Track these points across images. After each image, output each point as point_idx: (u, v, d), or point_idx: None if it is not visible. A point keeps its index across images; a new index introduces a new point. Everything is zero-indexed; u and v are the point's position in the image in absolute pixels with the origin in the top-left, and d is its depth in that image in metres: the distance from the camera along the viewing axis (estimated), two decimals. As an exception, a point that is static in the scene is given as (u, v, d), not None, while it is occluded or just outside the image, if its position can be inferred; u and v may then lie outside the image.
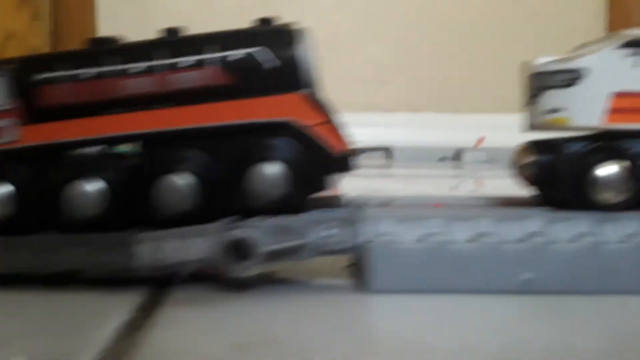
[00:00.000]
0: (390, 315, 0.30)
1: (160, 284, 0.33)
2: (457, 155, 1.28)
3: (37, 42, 1.22)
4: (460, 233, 0.31)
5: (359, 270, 0.34)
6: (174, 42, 0.33)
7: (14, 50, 1.12)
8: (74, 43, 1.30)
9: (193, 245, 0.32)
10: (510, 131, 1.36)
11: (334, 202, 0.36)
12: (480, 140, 1.29)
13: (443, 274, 0.31)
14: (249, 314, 0.29)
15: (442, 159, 1.28)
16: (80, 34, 1.36)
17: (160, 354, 0.24)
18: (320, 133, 0.32)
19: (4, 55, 1.09)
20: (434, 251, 0.31)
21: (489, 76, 1.42)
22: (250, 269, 0.30)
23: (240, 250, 0.30)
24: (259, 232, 0.30)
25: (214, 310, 0.30)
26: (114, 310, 0.30)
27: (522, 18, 1.44)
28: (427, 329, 0.27)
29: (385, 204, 0.36)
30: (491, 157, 1.27)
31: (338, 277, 0.35)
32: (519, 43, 1.42)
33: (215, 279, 0.33)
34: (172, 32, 0.33)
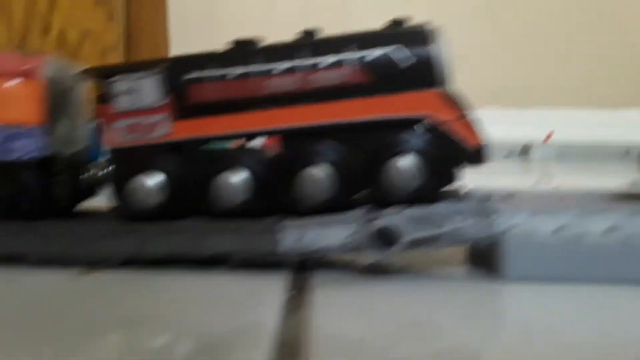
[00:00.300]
0: (527, 303, 0.31)
1: (299, 269, 0.35)
2: (524, 151, 1.28)
3: (111, 41, 1.26)
4: (595, 225, 0.32)
5: (485, 260, 0.35)
6: (313, 43, 0.35)
7: (89, 49, 1.16)
8: (145, 43, 1.34)
9: (335, 233, 0.34)
10: (579, 126, 1.34)
11: (459, 194, 0.37)
12: (549, 135, 1.28)
13: (578, 266, 0.32)
14: (394, 298, 0.31)
15: (508, 155, 1.27)
16: (152, 34, 1.41)
17: (328, 334, 0.26)
18: (455, 128, 0.33)
19: (80, 53, 1.13)
20: (570, 243, 0.32)
21: (557, 69, 1.40)
22: (393, 256, 0.32)
23: (386, 237, 0.32)
24: (402, 220, 0.32)
25: (360, 293, 0.32)
26: (268, 291, 0.32)
27: (589, 12, 1.42)
28: (563, 317, 0.28)
29: (509, 196, 0.37)
30: (561, 153, 1.26)
31: (458, 266, 0.37)
32: (586, 35, 1.40)
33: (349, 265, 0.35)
34: (310, 33, 0.35)
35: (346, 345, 0.24)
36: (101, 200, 0.39)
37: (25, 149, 0.35)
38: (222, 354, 0.23)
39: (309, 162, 0.34)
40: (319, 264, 0.36)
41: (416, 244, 0.32)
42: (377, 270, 0.35)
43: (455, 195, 0.36)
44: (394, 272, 0.35)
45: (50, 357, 0.23)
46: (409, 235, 0.32)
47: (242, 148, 0.36)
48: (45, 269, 0.35)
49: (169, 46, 1.52)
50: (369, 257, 0.35)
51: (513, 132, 1.32)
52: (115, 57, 1.17)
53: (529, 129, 1.22)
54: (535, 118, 1.28)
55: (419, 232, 0.32)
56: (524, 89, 1.38)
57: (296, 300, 0.30)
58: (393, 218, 0.32)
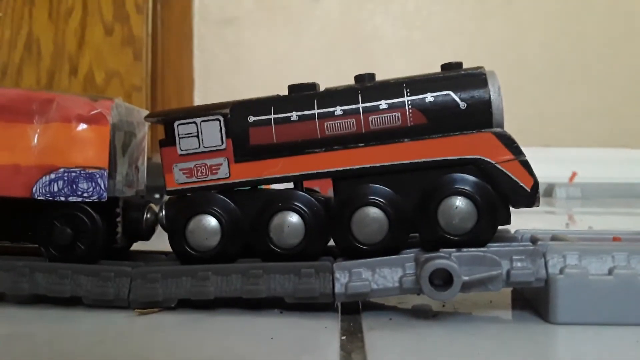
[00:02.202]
0: (581, 347, 0.31)
1: (349, 310, 0.36)
2: (549, 191, 1.28)
3: (137, 82, 1.29)
4: (647, 267, 0.33)
5: (534, 303, 0.36)
6: (372, 87, 0.36)
7: (116, 88, 1.19)
8: (170, 84, 1.37)
9: (389, 274, 0.34)
10: (603, 166, 1.34)
11: (507, 235, 0.38)
12: (574, 175, 1.29)
13: (632, 307, 0.32)
14: (447, 343, 0.31)
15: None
16: (177, 75, 1.44)
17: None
18: (509, 168, 0.34)
19: (107, 93, 1.16)
20: (624, 284, 0.32)
21: (581, 107, 1.41)
22: (448, 298, 0.33)
23: (443, 279, 0.32)
24: (456, 262, 0.32)
25: (413, 337, 0.32)
26: (322, 334, 0.32)
27: (614, 49, 1.43)
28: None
29: (555, 237, 0.38)
30: (585, 193, 1.26)
31: (505, 309, 0.38)
32: (610, 73, 1.41)
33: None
34: (367, 77, 0.36)
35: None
36: (158, 241, 0.40)
37: (89, 191, 0.36)
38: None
39: (363, 203, 0.35)
40: (367, 306, 0.37)
41: (470, 285, 0.33)
42: (427, 313, 0.36)
43: (505, 236, 0.37)
44: (443, 315, 0.36)
45: None
46: (464, 277, 0.32)
47: (296, 189, 0.37)
48: (102, 310, 0.36)
49: (193, 87, 1.55)
50: (421, 299, 0.36)
51: (537, 171, 1.32)
52: (141, 98, 1.20)
53: (552, 168, 1.23)
54: (559, 157, 1.29)
55: (474, 274, 0.33)
56: (547, 127, 1.39)
57: (351, 344, 0.31)
58: (448, 260, 0.32)
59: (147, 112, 0.40)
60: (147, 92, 1.25)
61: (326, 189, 0.38)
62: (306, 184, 0.38)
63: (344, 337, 0.31)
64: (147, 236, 0.40)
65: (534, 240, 0.37)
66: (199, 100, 1.48)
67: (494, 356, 0.29)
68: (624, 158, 1.33)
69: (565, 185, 1.26)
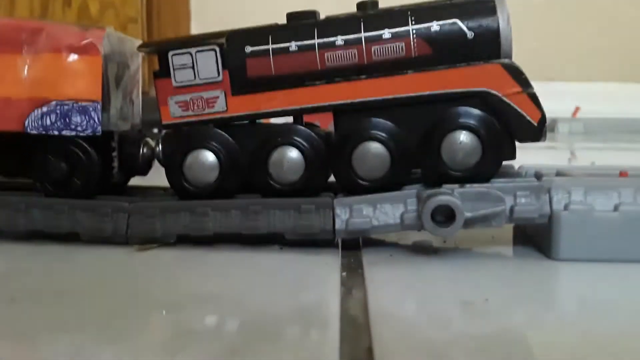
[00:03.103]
0: (581, 282, 0.31)
1: (350, 246, 0.36)
2: (551, 126, 1.27)
3: (133, 13, 1.26)
4: (653, 203, 0.32)
5: (536, 239, 0.35)
6: (373, 15, 0.34)
7: (111, 19, 1.16)
8: (166, 15, 1.34)
9: (390, 211, 0.34)
10: (607, 101, 1.33)
11: (511, 171, 0.37)
12: (577, 110, 1.27)
13: (638, 244, 0.32)
14: (447, 277, 0.31)
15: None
16: (173, 6, 1.40)
17: (386, 313, 0.26)
18: (517, 102, 0.33)
19: (101, 24, 1.13)
20: (630, 220, 0.32)
21: (585, 41, 1.38)
22: (451, 235, 0.32)
23: (443, 216, 0.32)
24: (459, 198, 0.32)
25: (413, 273, 0.32)
26: (323, 270, 0.32)
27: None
28: (618, 297, 0.28)
29: (560, 173, 0.37)
30: (588, 128, 1.25)
31: (507, 245, 0.37)
32: (614, 6, 1.38)
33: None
34: (370, 5, 0.35)
35: (404, 326, 0.25)
36: (155, 176, 0.40)
37: (83, 125, 0.35)
38: (292, 334, 0.24)
39: (365, 138, 0.34)
40: (368, 242, 0.36)
41: (473, 222, 0.32)
42: (427, 249, 0.36)
43: (508, 172, 0.36)
44: (444, 251, 0.35)
45: (102, 334, 0.24)
46: (467, 213, 0.32)
47: (296, 124, 0.36)
48: (100, 246, 0.35)
49: (190, 18, 1.51)
50: (422, 235, 0.36)
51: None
52: (136, 29, 1.17)
53: (556, 103, 1.21)
54: (563, 91, 1.27)
55: (477, 210, 0.32)
56: (550, 61, 1.36)
57: (352, 280, 0.30)
58: (451, 196, 0.32)
59: (140, 43, 0.38)
60: (142, 23, 1.22)
61: (326, 123, 0.37)
62: (306, 118, 0.37)
63: (344, 273, 0.31)
64: (144, 171, 0.39)
65: (538, 176, 0.36)
66: (196, 31, 1.45)
67: (495, 291, 0.29)
68: (628, 93, 1.31)
69: (568, 120, 1.25)
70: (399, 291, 0.30)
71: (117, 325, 0.25)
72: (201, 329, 0.25)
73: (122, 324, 0.25)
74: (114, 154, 0.38)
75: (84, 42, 0.36)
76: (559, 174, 0.37)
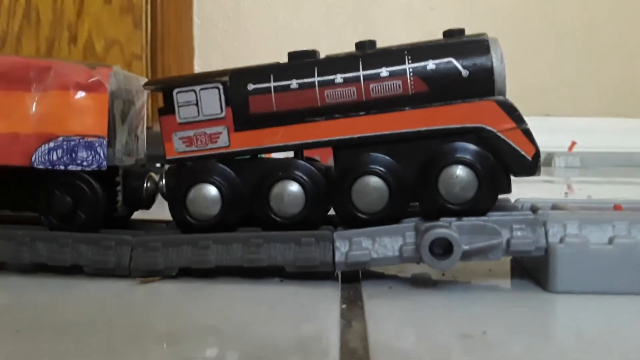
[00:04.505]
0: (579, 315, 0.31)
1: (349, 279, 0.36)
2: (548, 160, 1.28)
3: (137, 50, 1.28)
4: (647, 236, 0.33)
5: (533, 272, 0.36)
6: (373, 54, 0.35)
7: (116, 57, 1.18)
8: (170, 52, 1.36)
9: (389, 244, 0.34)
10: (603, 135, 1.34)
11: (508, 204, 0.38)
12: (573, 144, 1.28)
13: (633, 277, 0.32)
14: (445, 310, 0.32)
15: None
16: (177, 43, 1.43)
17: (386, 345, 0.27)
18: (511, 138, 0.34)
19: (106, 61, 1.15)
20: (624, 253, 0.32)
21: (581, 76, 1.40)
22: (448, 267, 0.33)
23: (441, 248, 0.32)
24: (456, 231, 0.32)
25: (412, 305, 0.32)
26: (323, 302, 0.32)
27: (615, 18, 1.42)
28: (616, 330, 0.29)
29: (556, 207, 0.37)
30: (584, 162, 1.26)
31: (505, 278, 0.38)
32: (610, 42, 1.40)
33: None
34: (368, 44, 0.36)
35: (403, 359, 0.25)
36: (158, 210, 0.41)
37: (89, 160, 0.36)
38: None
39: (364, 172, 0.35)
40: (367, 274, 0.37)
41: (470, 255, 0.33)
42: (426, 282, 0.36)
43: (505, 206, 0.37)
44: (443, 283, 0.36)
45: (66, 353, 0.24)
46: (464, 246, 0.32)
47: (297, 159, 0.37)
48: (104, 278, 0.36)
49: (193, 55, 1.54)
50: (421, 267, 0.36)
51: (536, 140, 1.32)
52: (141, 66, 1.19)
53: (552, 137, 1.23)
54: (559, 126, 1.28)
55: (474, 243, 0.33)
56: (547, 96, 1.38)
57: (351, 312, 0.31)
58: (448, 229, 0.32)
59: (146, 80, 0.39)
60: (147, 60, 1.24)
61: (326, 158, 0.38)
62: (306, 152, 0.37)
63: (344, 306, 0.32)
64: (147, 205, 0.40)
65: (534, 209, 0.37)
66: (199, 68, 1.47)
67: (493, 323, 0.29)
68: (623, 127, 1.33)
69: (565, 154, 1.26)
70: (398, 323, 0.30)
71: (119, 358, 0.25)
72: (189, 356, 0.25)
73: (124, 356, 0.25)
74: (119, 188, 0.38)
75: (91, 79, 0.37)
76: (554, 207, 0.37)
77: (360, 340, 0.27)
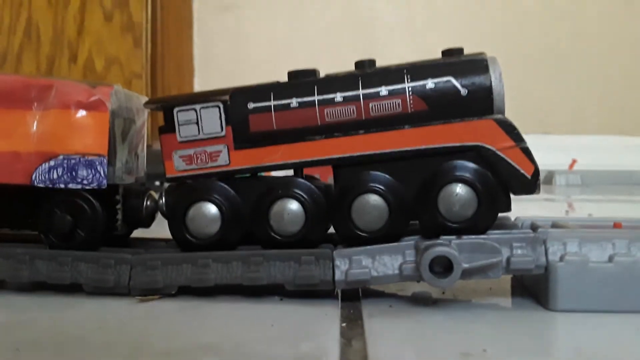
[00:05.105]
0: (580, 333, 0.31)
1: (348, 297, 0.36)
2: (548, 178, 1.28)
3: (137, 68, 1.28)
4: (647, 254, 0.33)
5: (533, 290, 0.36)
6: (372, 73, 0.36)
7: (116, 75, 1.18)
8: (170, 70, 1.37)
9: (388, 262, 0.34)
10: (603, 153, 1.34)
11: (508, 223, 0.38)
12: (573, 162, 1.29)
13: (633, 294, 0.32)
14: (446, 329, 0.31)
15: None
16: (177, 62, 1.44)
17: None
18: (510, 156, 0.34)
19: (106, 80, 1.16)
20: (624, 271, 0.32)
21: (580, 95, 1.41)
22: (448, 285, 0.33)
23: (443, 266, 0.32)
24: (456, 249, 0.32)
25: (412, 324, 0.32)
26: (322, 320, 0.32)
27: (613, 35, 1.43)
28: (618, 348, 0.29)
29: (556, 225, 0.37)
30: (584, 181, 1.26)
31: (505, 296, 0.38)
32: (609, 60, 1.41)
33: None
34: (367, 64, 0.36)
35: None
36: (158, 228, 0.40)
37: (89, 178, 0.36)
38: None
39: (363, 190, 0.35)
40: (367, 293, 0.37)
41: (470, 273, 0.33)
42: (426, 300, 0.36)
43: (505, 224, 0.37)
44: (443, 302, 0.36)
45: None
46: (464, 265, 0.32)
47: (297, 177, 0.37)
48: (103, 297, 0.36)
49: (193, 74, 1.55)
50: (420, 286, 0.36)
51: (536, 158, 1.32)
52: (141, 85, 1.20)
53: (552, 155, 1.23)
54: (559, 144, 1.29)
55: (474, 262, 0.33)
56: (546, 114, 1.38)
57: (351, 331, 0.31)
58: (448, 247, 0.32)
59: (146, 99, 0.39)
60: (147, 79, 1.25)
61: (326, 176, 0.38)
62: (306, 171, 0.38)
63: (344, 324, 0.32)
64: (147, 223, 0.40)
65: (534, 227, 0.37)
66: (199, 87, 1.48)
67: (493, 342, 0.29)
68: (624, 145, 1.33)
69: (565, 172, 1.26)
70: (398, 342, 0.30)
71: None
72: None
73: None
74: (118, 206, 0.38)
75: (92, 98, 0.37)
76: (554, 225, 0.37)
77: (361, 359, 0.27)
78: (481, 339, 0.29)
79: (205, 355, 0.27)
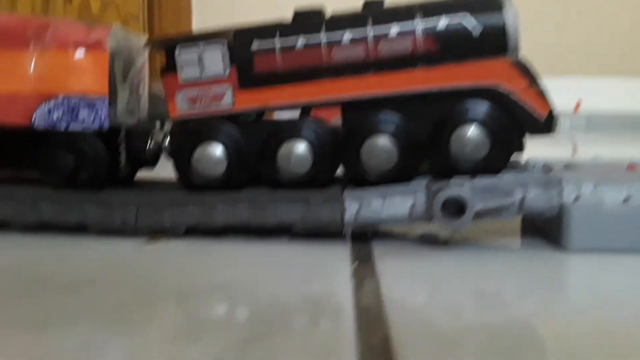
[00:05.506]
0: (592, 274, 0.31)
1: (358, 238, 0.36)
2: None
3: (133, 10, 1.25)
4: (662, 195, 0.32)
5: (545, 231, 0.35)
6: (381, 12, 0.34)
7: (112, 16, 1.16)
8: (167, 12, 1.33)
9: (399, 203, 0.34)
10: (608, 96, 1.33)
11: (520, 164, 0.38)
12: (578, 105, 1.27)
13: (646, 235, 0.32)
14: (457, 269, 0.31)
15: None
16: (174, 2, 1.40)
17: (404, 302, 0.27)
18: (524, 96, 0.33)
19: (102, 21, 1.13)
20: (638, 213, 0.32)
21: (585, 35, 1.38)
22: (461, 227, 0.32)
23: (453, 208, 0.32)
24: (469, 191, 0.32)
25: (424, 264, 0.32)
26: (333, 261, 0.32)
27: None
28: (629, 288, 0.29)
29: (568, 166, 0.37)
30: (589, 123, 1.25)
31: (514, 237, 0.37)
32: (616, 2, 1.38)
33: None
34: (376, 4, 0.35)
35: (419, 316, 0.25)
36: (161, 169, 0.40)
37: (90, 119, 0.35)
38: (306, 324, 0.24)
39: (373, 132, 0.34)
40: (377, 234, 0.36)
41: (483, 214, 0.32)
42: (436, 241, 0.36)
43: (517, 165, 0.36)
44: (453, 243, 0.35)
45: (112, 325, 0.24)
46: (477, 206, 0.32)
47: (304, 118, 0.36)
48: (110, 238, 0.35)
49: (191, 14, 1.51)
50: (430, 227, 0.36)
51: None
52: (137, 26, 1.17)
53: (557, 98, 1.21)
54: (564, 87, 1.27)
55: (486, 203, 0.32)
56: (552, 56, 1.36)
57: (363, 271, 0.30)
58: (461, 188, 0.32)
59: (145, 39, 0.38)
60: (144, 20, 1.22)
61: (331, 118, 0.37)
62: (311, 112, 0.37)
63: (355, 265, 0.31)
64: (151, 164, 0.39)
65: (547, 169, 0.36)
66: (197, 28, 1.45)
67: (506, 282, 0.29)
68: (630, 87, 1.31)
69: (570, 115, 1.25)
70: (411, 282, 0.30)
71: (128, 316, 0.25)
72: (214, 319, 0.25)
73: (134, 314, 0.25)
74: (121, 147, 0.38)
75: (91, 38, 0.36)
76: (567, 167, 0.37)
77: (374, 298, 0.26)
78: (495, 279, 0.29)
79: (216, 296, 0.27)
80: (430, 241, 0.36)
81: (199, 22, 1.45)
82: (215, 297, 0.27)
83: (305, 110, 0.36)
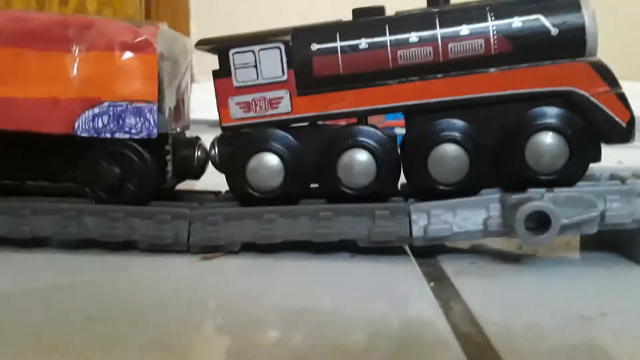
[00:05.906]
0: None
1: (418, 255, 0.34)
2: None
3: (131, 10, 1.23)
4: None
5: (617, 245, 0.34)
6: (450, 10, 0.32)
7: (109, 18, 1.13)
8: (165, 12, 1.31)
9: (471, 217, 0.32)
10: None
11: (594, 174, 0.36)
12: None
13: None
14: (546, 286, 0.29)
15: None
16: (172, 3, 1.37)
17: (504, 327, 0.24)
18: (605, 102, 0.31)
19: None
20: None
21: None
22: (546, 242, 0.30)
23: (538, 222, 0.30)
24: (552, 203, 0.30)
25: (504, 282, 0.30)
26: (406, 280, 0.30)
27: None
28: None
29: (637, 175, 0.35)
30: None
31: (575, 251, 0.36)
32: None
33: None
34: (442, 0, 0.33)
35: (524, 341, 0.23)
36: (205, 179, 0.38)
37: (137, 127, 0.33)
38: (412, 350, 0.22)
39: (442, 140, 0.32)
40: (439, 250, 0.34)
41: (566, 228, 0.31)
42: (509, 257, 0.34)
43: (591, 175, 0.35)
44: (525, 258, 0.34)
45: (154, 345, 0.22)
46: (564, 219, 0.30)
47: (363, 125, 0.34)
48: (159, 254, 0.33)
49: (189, 16, 1.48)
50: (491, 241, 0.34)
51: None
52: (134, 28, 1.14)
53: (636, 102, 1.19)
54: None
55: (569, 216, 0.30)
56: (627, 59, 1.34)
57: (444, 292, 0.28)
58: (544, 201, 0.30)
59: (200, 39, 0.36)
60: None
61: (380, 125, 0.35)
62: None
63: (432, 284, 0.29)
64: (197, 175, 0.37)
65: (615, 178, 0.34)
66: (196, 31, 1.42)
67: (609, 304, 0.27)
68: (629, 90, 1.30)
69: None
70: (501, 303, 0.27)
71: (162, 335, 0.22)
72: (300, 349, 0.22)
73: (167, 335, 0.23)
74: (168, 157, 0.35)
75: (139, 39, 0.33)
76: (636, 176, 0.35)
77: (469, 322, 0.25)
78: (594, 300, 0.27)
79: (301, 323, 0.25)
80: (502, 257, 0.34)
81: (198, 25, 1.43)
82: (300, 325, 0.25)
83: (365, 117, 0.34)
